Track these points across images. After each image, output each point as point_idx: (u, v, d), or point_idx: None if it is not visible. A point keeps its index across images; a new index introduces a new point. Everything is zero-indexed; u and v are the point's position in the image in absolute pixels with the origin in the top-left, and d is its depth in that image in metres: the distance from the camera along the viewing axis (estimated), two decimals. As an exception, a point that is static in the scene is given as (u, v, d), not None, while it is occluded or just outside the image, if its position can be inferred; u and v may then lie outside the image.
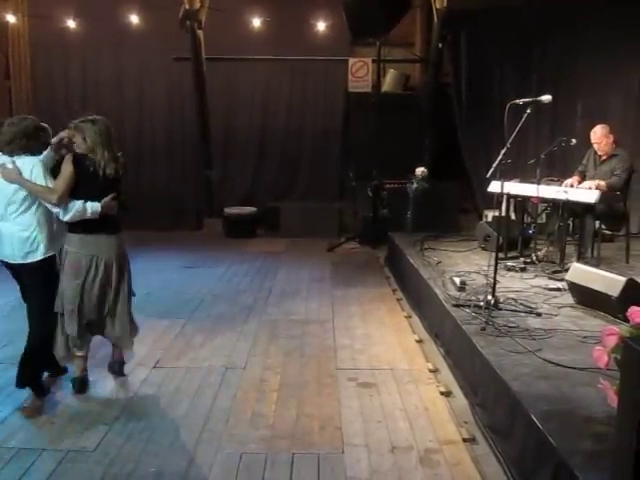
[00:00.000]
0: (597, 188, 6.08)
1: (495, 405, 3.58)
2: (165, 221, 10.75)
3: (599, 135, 6.51)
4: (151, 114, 11.11)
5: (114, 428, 3.69)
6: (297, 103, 11.38)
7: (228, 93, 11.13)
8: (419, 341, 5.24)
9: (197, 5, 9.88)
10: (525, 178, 6.75)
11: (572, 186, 6.42)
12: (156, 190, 10.92)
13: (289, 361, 4.79)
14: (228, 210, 10.66)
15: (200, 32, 10.20)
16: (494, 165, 4.73)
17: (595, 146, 6.58)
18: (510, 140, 4.68)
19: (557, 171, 7.72)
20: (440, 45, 10.35)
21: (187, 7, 9.79)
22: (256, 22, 10.62)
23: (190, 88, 10.65)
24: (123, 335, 4.26)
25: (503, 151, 4.67)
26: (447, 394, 4.18)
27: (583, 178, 6.66)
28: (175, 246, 9.42)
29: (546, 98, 4.90)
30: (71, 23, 10.33)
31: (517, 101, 4.82)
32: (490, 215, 8.34)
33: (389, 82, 11.37)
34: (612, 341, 2.81)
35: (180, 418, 3.82)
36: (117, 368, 4.47)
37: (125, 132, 10.62)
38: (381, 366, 4.68)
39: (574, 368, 3.57)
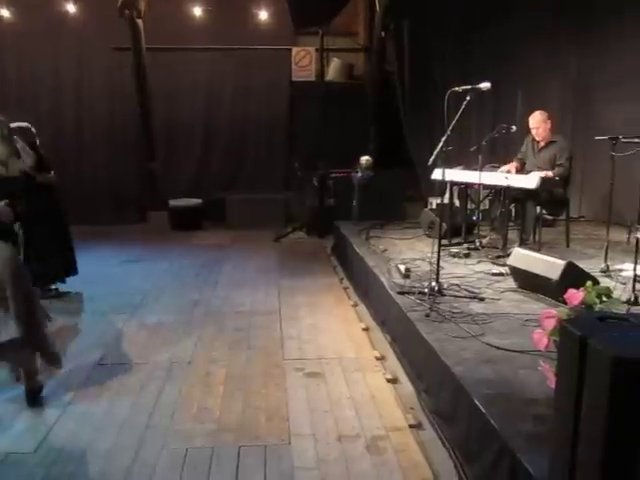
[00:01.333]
0: (545, 177, 6.18)
1: (440, 390, 3.61)
2: (107, 215, 10.55)
3: (537, 120, 6.61)
4: (90, 105, 10.88)
5: (54, 428, 3.59)
6: (241, 93, 11.29)
7: (170, 83, 10.97)
8: (366, 329, 5.26)
9: (136, -7, 9.69)
10: (468, 165, 6.82)
11: (509, 172, 6.53)
12: (97, 183, 10.71)
13: (235, 354, 4.75)
14: (173, 202, 10.52)
15: (140, 21, 10.00)
16: (435, 152, 4.77)
17: (533, 131, 6.68)
18: (450, 127, 4.72)
19: (499, 158, 7.83)
20: (383, 34, 10.38)
21: (126, -5, 9.59)
22: (197, 11, 10.49)
23: (130, 78, 10.45)
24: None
25: (444, 138, 4.71)
26: (393, 381, 4.20)
27: (522, 165, 6.78)
28: (118, 240, 9.25)
29: (484, 85, 4.95)
30: (4, 12, 10.01)
31: (457, 89, 4.86)
32: (435, 202, 8.43)
33: (333, 71, 11.36)
34: (550, 324, 2.86)
35: (124, 415, 3.74)
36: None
37: (63, 124, 10.40)
38: (328, 355, 4.68)
39: (516, 351, 3.62)
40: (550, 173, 6.35)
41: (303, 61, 10.93)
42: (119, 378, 4.29)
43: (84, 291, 6.31)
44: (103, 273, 7.16)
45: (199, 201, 10.60)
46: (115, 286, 6.68)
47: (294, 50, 10.93)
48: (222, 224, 10.42)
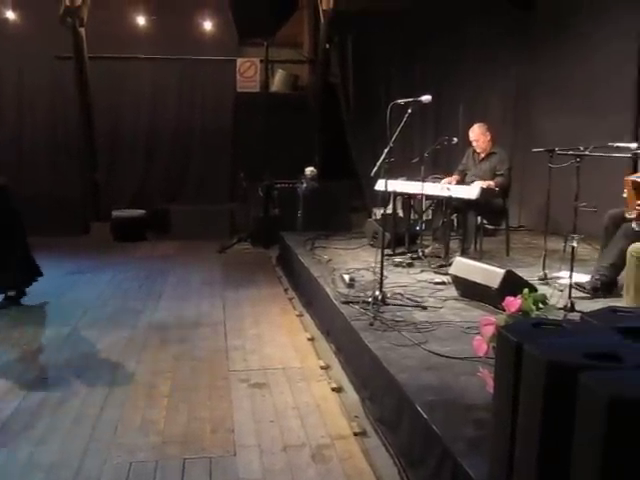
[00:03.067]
0: (487, 187, 6.34)
1: (384, 398, 3.66)
2: (48, 226, 10.28)
3: (477, 133, 6.80)
4: (32, 114, 10.66)
5: (-7, 444, 3.50)
6: (185, 103, 11.23)
7: (114, 93, 10.84)
8: (311, 339, 5.28)
9: (78, 2, 9.55)
10: (412, 176, 6.94)
11: (450, 183, 6.68)
12: (38, 193, 10.44)
13: (180, 365, 4.71)
14: (116, 213, 10.36)
15: (82, 30, 9.86)
16: (377, 164, 4.85)
17: (474, 144, 6.87)
18: (393, 139, 4.81)
19: (442, 169, 8.00)
20: (327, 46, 10.49)
21: (67, 4, 9.44)
22: (141, 20, 10.41)
23: (73, 87, 10.28)
24: None
25: (386, 150, 4.80)
26: (338, 390, 4.23)
27: (464, 176, 6.94)
28: (59, 252, 9.05)
29: (426, 98, 5.07)
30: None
31: (399, 101, 4.96)
32: (379, 213, 8.53)
33: (278, 82, 11.41)
34: (489, 330, 2.94)
35: (65, 429, 3.67)
36: None
37: (3, 133, 10.14)
38: (273, 366, 4.68)
39: (457, 358, 3.70)
40: (491, 183, 6.53)
41: (248, 72, 10.94)
42: (61, 390, 4.20)
43: (26, 303, 6.18)
44: (45, 285, 6.97)
45: (143, 212, 10.47)
46: (58, 298, 6.54)
47: (239, 61, 10.93)
48: (166, 235, 10.32)
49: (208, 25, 10.58)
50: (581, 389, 1.85)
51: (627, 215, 4.71)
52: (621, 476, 1.74)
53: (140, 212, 10.46)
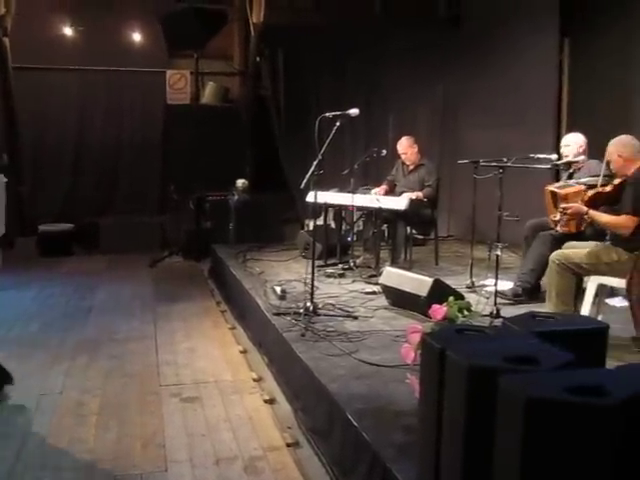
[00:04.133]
0: (415, 199, 6.50)
1: (315, 408, 3.69)
2: (-30, 242, 9.98)
3: (405, 146, 6.98)
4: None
5: None
6: (114, 115, 11.02)
7: (39, 104, 10.53)
8: (243, 352, 5.27)
9: (2, 11, 9.29)
10: (343, 187, 7.03)
11: (379, 194, 6.80)
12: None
13: (110, 382, 4.62)
14: (42, 227, 10.08)
15: (6, 39, 9.59)
16: (307, 176, 4.91)
17: (402, 156, 7.03)
18: (322, 152, 4.87)
19: (372, 180, 8.13)
20: (258, 58, 10.52)
21: (-10, 13, 9.19)
22: (68, 31, 10.21)
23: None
24: None
25: (315, 162, 4.85)
26: (271, 402, 4.24)
27: (393, 186, 7.07)
28: (-18, 268, 8.75)
29: (353, 112, 5.15)
30: None
31: (327, 114, 5.03)
32: (311, 224, 8.58)
33: (208, 94, 11.35)
34: (416, 338, 3.01)
35: (-11, 452, 3.57)
36: None
37: None
38: (205, 379, 4.65)
39: (386, 366, 3.77)
40: (420, 194, 6.69)
41: (178, 84, 10.86)
42: (-16, 412, 4.07)
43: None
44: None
45: (71, 226, 10.21)
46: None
47: (168, 73, 10.82)
48: (96, 249, 10.08)
49: (137, 36, 10.47)
50: (501, 392, 1.92)
51: (552, 217, 4.90)
52: (539, 474, 1.82)
53: (68, 226, 10.19)
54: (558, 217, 4.71)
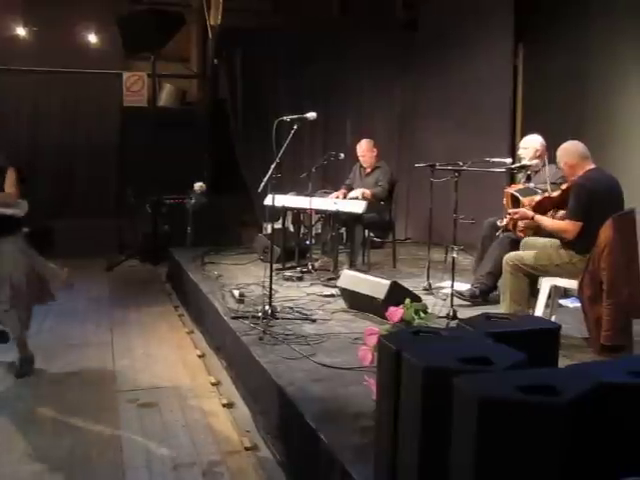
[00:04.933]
0: (363, 196, 6.55)
1: (274, 411, 3.69)
2: None
3: (364, 149, 7.03)
4: None
5: None
6: (69, 117, 10.83)
7: (-10, 105, 10.34)
8: (201, 356, 5.24)
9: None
10: (302, 191, 7.04)
11: (338, 198, 6.84)
12: None
13: (65, 389, 4.55)
14: (-5, 232, 9.86)
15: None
16: (265, 179, 4.91)
17: (361, 159, 7.09)
18: (279, 155, 4.88)
19: (330, 183, 8.17)
20: (215, 61, 10.46)
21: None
22: (22, 31, 10.03)
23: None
24: None
25: (273, 166, 4.86)
26: (229, 406, 4.22)
27: (350, 190, 7.11)
28: None
29: (311, 115, 5.17)
30: None
31: (284, 118, 5.04)
32: (269, 227, 8.56)
33: (165, 97, 11.26)
34: (373, 340, 3.03)
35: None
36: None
37: None
38: (163, 384, 4.61)
39: (344, 369, 3.79)
40: (368, 191, 6.74)
41: (135, 86, 10.74)
42: None
43: None
44: None
45: (25, 230, 10.00)
46: None
47: (125, 75, 10.70)
48: (50, 253, 9.87)
49: (93, 38, 10.32)
50: (455, 392, 1.95)
51: (498, 223, 4.99)
52: (493, 472, 1.85)
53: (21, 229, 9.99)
54: (505, 222, 4.82)
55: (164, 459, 3.51)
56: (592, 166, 4.35)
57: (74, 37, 10.39)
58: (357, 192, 6.74)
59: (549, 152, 5.12)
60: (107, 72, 10.68)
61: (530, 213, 4.54)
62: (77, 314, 6.60)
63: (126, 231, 10.26)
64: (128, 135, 10.86)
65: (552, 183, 4.82)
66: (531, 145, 5.40)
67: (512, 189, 5.11)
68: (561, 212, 4.56)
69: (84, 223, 10.19)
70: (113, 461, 3.49)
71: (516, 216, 4.66)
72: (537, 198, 4.69)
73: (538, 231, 4.74)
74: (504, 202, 5.15)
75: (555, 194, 4.60)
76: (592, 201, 4.18)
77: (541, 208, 4.60)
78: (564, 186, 4.54)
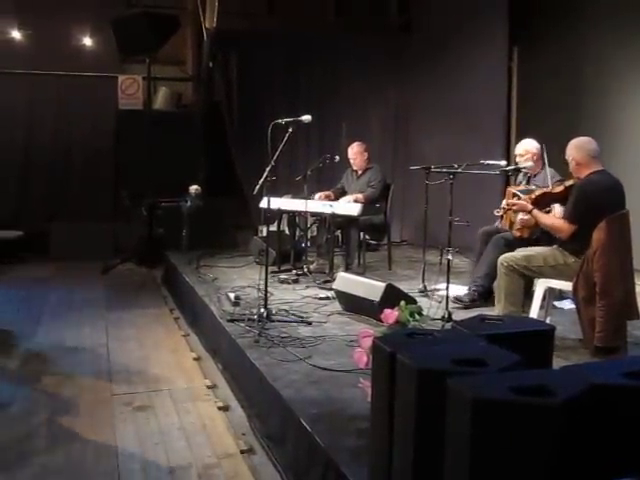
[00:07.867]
0: (356, 201, 6.56)
1: (270, 414, 3.69)
2: None
3: (355, 151, 7.06)
4: None
5: None
6: (64, 120, 10.81)
7: (-16, 109, 10.32)
8: (197, 359, 5.23)
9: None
10: (297, 193, 7.06)
11: (321, 198, 6.86)
12: None
13: (60, 392, 4.53)
14: (-11, 234, 9.85)
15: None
16: (260, 182, 4.92)
17: (352, 162, 7.11)
18: (275, 158, 4.88)
19: (326, 186, 8.17)
20: (211, 64, 10.46)
21: None
22: (16, 34, 10.02)
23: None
24: None
25: (268, 169, 4.87)
26: (225, 409, 4.22)
27: (342, 193, 7.13)
28: None
29: (306, 118, 5.19)
30: None
31: (279, 121, 5.05)
32: (264, 230, 8.56)
33: (161, 100, 11.25)
34: (368, 342, 3.04)
35: None
36: None
37: None
38: (158, 387, 4.60)
39: (340, 371, 3.80)
40: (360, 196, 6.76)
41: (130, 89, 10.75)
42: None
43: None
44: None
45: (20, 232, 10.00)
46: None
47: (120, 78, 10.71)
48: (46, 256, 9.89)
49: (88, 41, 10.32)
50: (449, 393, 1.95)
51: (495, 213, 5.00)
52: (488, 473, 1.86)
53: (17, 233, 9.98)
54: (501, 212, 4.82)
55: (160, 462, 3.50)
56: (599, 167, 4.29)
57: (69, 40, 10.38)
58: (349, 199, 6.74)
59: (549, 155, 5.10)
60: (102, 75, 10.67)
61: (529, 206, 4.54)
62: (72, 317, 6.58)
63: (121, 234, 10.24)
64: (123, 138, 10.85)
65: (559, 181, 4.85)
66: (526, 150, 5.42)
67: (515, 188, 5.12)
68: (558, 208, 4.56)
69: (79, 226, 10.18)
70: (108, 465, 3.48)
71: (515, 207, 4.66)
72: (538, 192, 4.68)
73: (535, 230, 4.75)
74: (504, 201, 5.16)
75: (557, 190, 4.59)
76: (589, 206, 4.17)
77: (541, 203, 4.59)
78: (568, 183, 4.50)
